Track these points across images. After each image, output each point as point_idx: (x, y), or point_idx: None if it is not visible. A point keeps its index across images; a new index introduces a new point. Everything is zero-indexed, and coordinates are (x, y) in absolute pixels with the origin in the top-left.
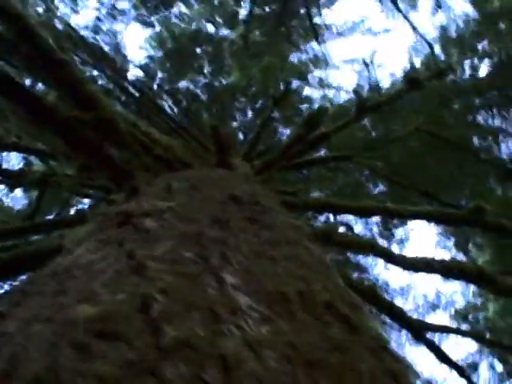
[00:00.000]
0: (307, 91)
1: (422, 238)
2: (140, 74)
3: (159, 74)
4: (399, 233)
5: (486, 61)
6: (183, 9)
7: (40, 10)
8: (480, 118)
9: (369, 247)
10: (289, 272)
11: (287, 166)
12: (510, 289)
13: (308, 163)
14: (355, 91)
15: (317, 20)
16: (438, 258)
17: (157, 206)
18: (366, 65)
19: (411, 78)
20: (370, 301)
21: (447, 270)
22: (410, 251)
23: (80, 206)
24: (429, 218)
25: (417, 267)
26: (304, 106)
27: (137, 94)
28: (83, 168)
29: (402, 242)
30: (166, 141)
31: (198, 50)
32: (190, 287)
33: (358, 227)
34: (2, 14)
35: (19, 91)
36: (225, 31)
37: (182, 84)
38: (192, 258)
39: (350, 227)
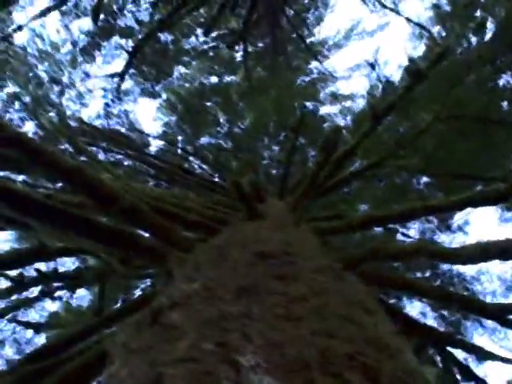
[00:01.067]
0: (325, 109)
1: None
2: (161, 143)
3: (179, 138)
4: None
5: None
6: (183, 70)
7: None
8: (501, 82)
9: (415, 252)
10: (312, 330)
11: (321, 192)
12: None
13: (341, 182)
14: (368, 102)
15: (312, 39)
16: (492, 240)
17: (184, 291)
18: (372, 66)
19: (413, 71)
20: (442, 299)
21: (504, 251)
22: (473, 237)
23: (142, 286)
24: (472, 203)
25: (474, 258)
26: (326, 125)
27: (163, 165)
28: (124, 261)
29: (461, 229)
30: (195, 204)
31: (209, 104)
32: None
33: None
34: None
35: (42, 209)
36: (228, 78)
37: (204, 140)
38: (211, 350)
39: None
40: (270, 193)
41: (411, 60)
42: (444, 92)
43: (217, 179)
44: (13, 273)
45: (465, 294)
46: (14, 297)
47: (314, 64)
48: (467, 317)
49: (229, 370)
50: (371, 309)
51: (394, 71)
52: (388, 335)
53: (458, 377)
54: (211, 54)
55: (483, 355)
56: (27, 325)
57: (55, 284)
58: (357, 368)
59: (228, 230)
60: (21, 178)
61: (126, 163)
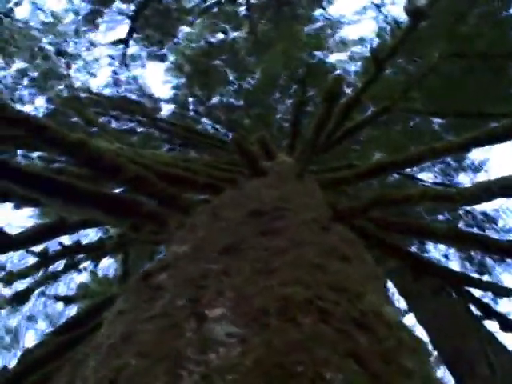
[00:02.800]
0: (334, 57)
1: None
2: (172, 107)
3: (190, 99)
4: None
5: None
6: (187, 29)
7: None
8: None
9: (420, 197)
10: (282, 280)
11: (330, 143)
12: None
13: (351, 131)
14: (371, 48)
15: None
16: (495, 178)
17: (175, 253)
18: (378, 7)
19: (412, 10)
20: (455, 240)
21: (506, 188)
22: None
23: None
24: (478, 143)
25: (478, 197)
26: (335, 74)
27: (176, 129)
28: (132, 228)
29: (477, 169)
30: (205, 166)
31: (217, 62)
32: (166, 340)
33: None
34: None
35: (52, 184)
36: (233, 34)
37: (215, 100)
38: (182, 306)
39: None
40: (283, 148)
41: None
42: (448, 29)
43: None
44: (37, 249)
45: (479, 233)
46: (41, 272)
47: (319, 11)
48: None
49: (194, 322)
50: (348, 256)
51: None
52: (356, 280)
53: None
54: (214, 10)
55: (502, 292)
56: (57, 298)
57: (80, 256)
58: (312, 312)
59: (229, 190)
60: (36, 154)
61: (139, 130)
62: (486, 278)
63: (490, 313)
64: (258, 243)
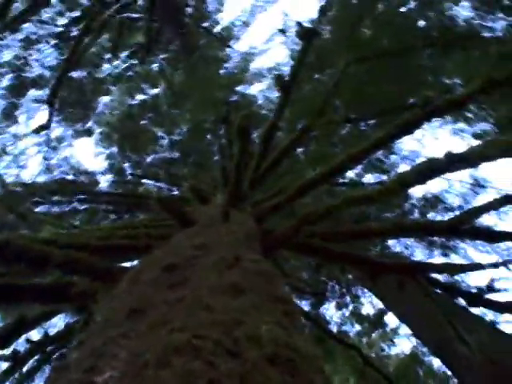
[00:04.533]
0: (255, 88)
1: None
2: (110, 176)
3: (126, 165)
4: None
5: None
6: (106, 98)
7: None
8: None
9: (344, 204)
10: (171, 329)
11: (262, 175)
12: None
13: (277, 160)
14: (275, 75)
15: (219, 27)
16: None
17: (89, 327)
18: (283, 31)
19: (303, 32)
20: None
21: (421, 176)
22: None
23: None
24: (393, 135)
25: (393, 191)
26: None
27: (117, 198)
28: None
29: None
30: (144, 228)
31: (142, 122)
32: None
33: None
34: None
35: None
36: (153, 91)
37: (150, 159)
38: (77, 379)
39: None
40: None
41: (298, 24)
42: (346, 38)
43: (176, 192)
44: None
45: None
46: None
47: (229, 49)
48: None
49: None
50: (243, 289)
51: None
52: (241, 310)
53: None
54: (129, 73)
55: (456, 270)
56: None
57: (51, 347)
58: (185, 352)
59: (155, 248)
60: None
61: (82, 207)
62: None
63: (454, 292)
64: (163, 299)
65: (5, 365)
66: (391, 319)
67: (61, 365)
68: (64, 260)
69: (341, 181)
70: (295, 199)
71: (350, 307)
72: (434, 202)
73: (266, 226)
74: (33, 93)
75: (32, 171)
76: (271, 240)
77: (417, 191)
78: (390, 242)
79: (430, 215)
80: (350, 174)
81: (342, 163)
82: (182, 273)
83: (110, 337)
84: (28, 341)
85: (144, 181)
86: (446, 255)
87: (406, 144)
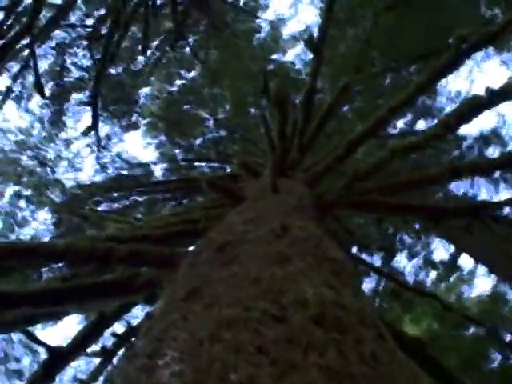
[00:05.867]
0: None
1: None
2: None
3: (177, 151)
4: None
5: None
6: (146, 89)
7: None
8: None
9: (389, 157)
10: (222, 308)
11: (310, 140)
12: None
13: (322, 122)
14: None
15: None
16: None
17: (152, 314)
18: None
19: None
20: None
21: (462, 117)
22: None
23: None
24: (436, 78)
25: (440, 136)
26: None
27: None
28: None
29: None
30: (201, 212)
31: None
32: None
33: None
34: None
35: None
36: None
37: (199, 141)
38: (140, 365)
39: None
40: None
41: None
42: None
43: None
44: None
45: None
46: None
47: (258, 20)
48: None
49: (145, 375)
50: (289, 257)
51: None
52: (287, 277)
53: None
54: (164, 61)
55: None
56: None
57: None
58: (235, 325)
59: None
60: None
61: (141, 199)
62: None
63: None
64: (217, 277)
65: (96, 360)
66: (467, 261)
67: (128, 353)
68: (127, 253)
69: (392, 132)
70: (344, 158)
71: (422, 255)
72: (491, 138)
73: (320, 190)
74: (75, 96)
75: (88, 172)
76: (325, 203)
77: (472, 130)
78: (453, 185)
79: (489, 152)
80: (401, 124)
81: (385, 115)
82: (233, 250)
83: (169, 320)
84: (114, 334)
85: (196, 164)
86: None
87: (455, 84)
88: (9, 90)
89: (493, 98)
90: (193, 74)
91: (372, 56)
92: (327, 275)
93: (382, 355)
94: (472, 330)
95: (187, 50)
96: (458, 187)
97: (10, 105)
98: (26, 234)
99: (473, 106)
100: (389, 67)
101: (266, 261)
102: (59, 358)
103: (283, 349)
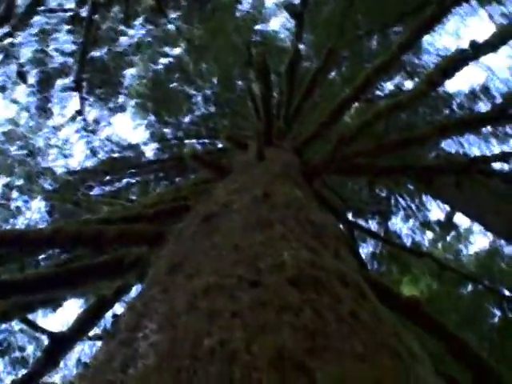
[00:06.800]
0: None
1: None
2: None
3: (166, 130)
4: None
5: None
6: (131, 70)
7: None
8: None
9: (374, 119)
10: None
11: (297, 109)
12: None
13: (309, 89)
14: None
15: None
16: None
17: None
18: None
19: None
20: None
21: (445, 72)
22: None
23: None
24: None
25: (424, 94)
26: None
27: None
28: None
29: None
30: (192, 188)
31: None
32: None
33: None
34: None
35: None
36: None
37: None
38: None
39: None
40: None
41: None
42: None
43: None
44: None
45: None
46: None
47: None
48: None
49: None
50: (271, 222)
51: None
52: (264, 242)
53: None
54: (148, 39)
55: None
56: None
57: None
58: (213, 291)
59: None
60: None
61: (134, 181)
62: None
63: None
64: (200, 249)
65: (99, 343)
66: (462, 219)
67: (112, 329)
68: (116, 234)
69: (381, 94)
70: (331, 124)
71: (418, 217)
72: (480, 93)
73: (308, 156)
74: (60, 82)
75: (79, 158)
76: (311, 168)
77: (462, 87)
78: (444, 144)
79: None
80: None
81: (369, 76)
82: (217, 220)
83: (151, 294)
84: (115, 316)
85: (187, 141)
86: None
87: (442, 41)
88: None
89: (477, 51)
90: (178, 51)
91: (356, 18)
92: (307, 238)
93: (363, 314)
94: (470, 287)
95: (171, 26)
96: (451, 147)
97: None
98: (20, 223)
99: (456, 61)
100: (374, 28)
101: (247, 228)
102: (61, 343)
103: (257, 312)
